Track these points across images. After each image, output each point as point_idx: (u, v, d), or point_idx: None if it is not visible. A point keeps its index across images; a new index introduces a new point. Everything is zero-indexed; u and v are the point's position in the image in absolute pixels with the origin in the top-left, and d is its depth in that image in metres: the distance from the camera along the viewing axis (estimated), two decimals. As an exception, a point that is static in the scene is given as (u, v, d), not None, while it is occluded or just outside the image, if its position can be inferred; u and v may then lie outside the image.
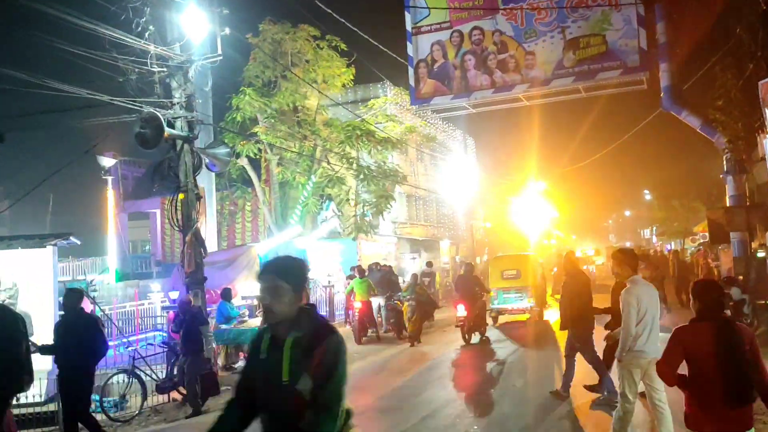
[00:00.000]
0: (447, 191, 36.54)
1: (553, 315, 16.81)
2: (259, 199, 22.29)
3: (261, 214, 23.93)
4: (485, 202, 48.76)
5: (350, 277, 17.45)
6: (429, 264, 25.05)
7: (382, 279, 17.19)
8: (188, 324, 9.34)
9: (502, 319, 17.65)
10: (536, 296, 17.83)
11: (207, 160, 11.60)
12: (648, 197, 59.06)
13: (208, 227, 18.21)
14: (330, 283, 18.82)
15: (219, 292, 12.83)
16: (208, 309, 12.85)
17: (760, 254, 15.62)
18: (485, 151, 49.78)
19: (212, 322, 12.26)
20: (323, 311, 18.69)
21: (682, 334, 4.12)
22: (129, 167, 27.68)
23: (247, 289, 14.10)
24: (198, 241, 10.53)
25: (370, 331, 15.89)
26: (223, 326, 11.56)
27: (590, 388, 8.20)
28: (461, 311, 13.64)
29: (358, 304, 15.37)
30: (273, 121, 20.92)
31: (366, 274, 17.66)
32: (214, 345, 11.40)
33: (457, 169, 35.18)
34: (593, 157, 30.09)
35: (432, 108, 21.32)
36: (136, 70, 10.42)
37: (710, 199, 44.20)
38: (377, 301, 16.47)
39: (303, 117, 21.43)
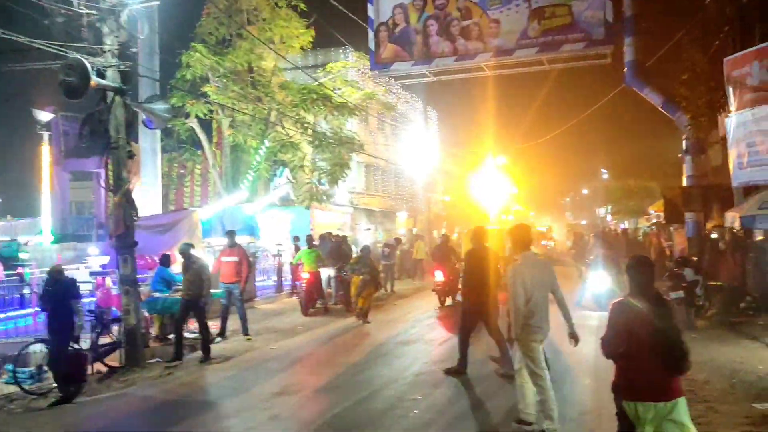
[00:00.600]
0: (406, 162, 35.94)
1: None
2: (209, 163, 21.29)
3: (211, 179, 22.97)
4: (445, 174, 48.44)
5: (298, 247, 16.78)
6: (398, 240, 24.46)
7: (333, 249, 16.56)
8: (58, 297, 8.40)
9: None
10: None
11: (144, 117, 10.72)
12: (605, 176, 59.69)
13: (152, 190, 17.29)
14: (279, 252, 18.12)
15: (157, 258, 12.02)
16: (142, 276, 12.10)
17: (714, 235, 15.56)
18: (446, 123, 49.32)
19: (147, 289, 11.51)
20: (271, 281, 18.04)
21: (620, 308, 4.24)
22: (72, 123, 26.13)
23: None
24: (129, 203, 9.70)
25: (319, 303, 15.34)
26: (157, 294, 10.80)
27: (495, 359, 8.30)
28: (439, 277, 15.15)
29: (305, 275, 14.76)
30: (225, 80, 19.90)
31: (317, 244, 17.10)
32: (146, 314, 10.68)
33: (418, 141, 34.53)
34: (553, 133, 29.85)
35: (392, 74, 20.51)
36: (62, 11, 9.42)
37: (665, 180, 44.87)
38: (327, 273, 15.87)
39: (258, 78, 20.45)
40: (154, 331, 11.15)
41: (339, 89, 21.61)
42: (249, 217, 15.73)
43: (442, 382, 8.21)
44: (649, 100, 17.01)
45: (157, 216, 14.48)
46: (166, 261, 11.24)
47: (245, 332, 11.59)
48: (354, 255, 20.94)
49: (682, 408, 4.04)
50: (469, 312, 8.17)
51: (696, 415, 6.23)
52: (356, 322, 13.42)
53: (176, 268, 13.15)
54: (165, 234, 13.35)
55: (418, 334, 11.85)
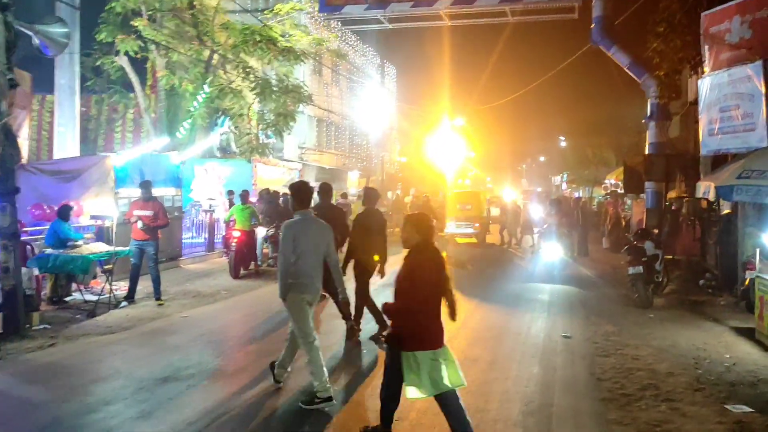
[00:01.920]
0: (361, 119, 34.42)
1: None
2: (141, 107, 19.39)
3: (145, 125, 21.08)
4: (402, 134, 47.08)
5: (232, 203, 15.32)
6: (343, 195, 23.72)
7: (271, 207, 15.16)
8: None
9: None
10: (481, 225, 21.96)
11: (38, 41, 9.02)
12: (563, 144, 59.21)
13: (69, 132, 15.43)
14: (211, 208, 16.61)
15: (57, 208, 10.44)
16: (41, 228, 10.53)
17: (674, 207, 14.78)
18: (405, 81, 47.78)
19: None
20: (201, 238, 16.58)
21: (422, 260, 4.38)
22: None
23: (96, 206, 11.74)
24: (9, 141, 8.09)
25: (252, 266, 14.01)
26: (49, 250, 9.28)
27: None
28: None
29: (237, 233, 13.36)
30: (160, 14, 17.97)
31: (255, 200, 15.75)
32: (36, 272, 9.17)
33: (374, 96, 32.96)
34: (512, 95, 28.86)
35: (343, 18, 18.95)
36: None
37: (620, 150, 44.55)
38: (263, 232, 14.52)
39: (197, 16, 18.55)
40: (46, 293, 9.65)
41: (288, 34, 19.87)
42: (174, 167, 14.12)
43: (362, 356, 7.10)
44: (616, 60, 16.01)
45: (65, 160, 12.74)
46: (64, 213, 9.65)
47: (157, 296, 10.20)
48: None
49: (447, 350, 4.37)
50: (363, 274, 7.91)
51: (661, 419, 5.23)
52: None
53: (84, 220, 11.68)
54: (72, 181, 11.72)
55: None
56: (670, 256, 12.87)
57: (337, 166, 34.12)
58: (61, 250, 9.22)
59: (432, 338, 4.34)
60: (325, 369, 5.47)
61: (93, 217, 11.76)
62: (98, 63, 19.06)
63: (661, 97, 14.57)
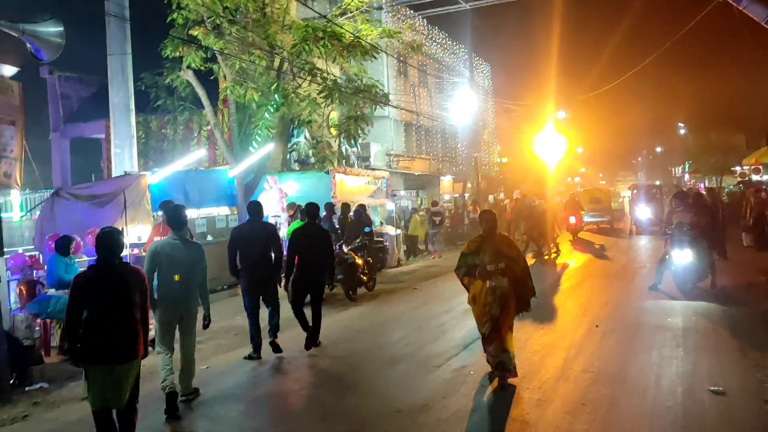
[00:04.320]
0: (454, 120, 32.11)
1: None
2: (211, 123, 18.26)
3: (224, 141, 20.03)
4: (502, 134, 44.25)
5: (293, 217, 13.61)
6: (434, 203, 22.30)
7: (333, 223, 13.44)
8: None
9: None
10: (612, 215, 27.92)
11: (31, 46, 7.67)
12: (682, 131, 53.68)
13: (126, 152, 14.40)
14: (277, 224, 14.98)
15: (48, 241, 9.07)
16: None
17: None
18: (501, 76, 44.86)
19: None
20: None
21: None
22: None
23: (134, 231, 10.34)
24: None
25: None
26: (52, 291, 7.84)
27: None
28: (572, 220, 22.30)
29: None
30: (221, 20, 16.73)
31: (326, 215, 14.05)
32: (38, 319, 7.77)
33: (466, 95, 30.50)
34: (621, 78, 25.50)
35: (412, 2, 16.77)
36: None
37: (752, 132, 39.19)
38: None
39: (259, 20, 17.12)
40: (55, 340, 8.22)
41: (358, 30, 18.04)
42: (227, 183, 12.60)
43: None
44: (750, 14, 12.80)
45: (100, 183, 11.58)
46: (63, 247, 8.13)
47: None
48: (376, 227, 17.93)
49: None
50: (301, 287, 8.17)
51: None
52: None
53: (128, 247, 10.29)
54: (106, 206, 10.40)
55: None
56: None
57: (428, 171, 31.97)
58: (64, 291, 7.74)
59: None
60: (170, 377, 5.81)
61: (132, 246, 10.36)
62: (167, 80, 18.20)
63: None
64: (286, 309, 8.24)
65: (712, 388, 5.70)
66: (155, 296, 5.85)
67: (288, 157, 20.91)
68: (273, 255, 7.82)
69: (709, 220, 10.49)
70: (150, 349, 5.54)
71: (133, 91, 14.85)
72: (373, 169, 25.51)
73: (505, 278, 5.97)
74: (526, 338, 7.78)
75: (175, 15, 16.44)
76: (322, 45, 15.58)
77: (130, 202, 10.45)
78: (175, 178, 11.11)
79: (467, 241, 6.53)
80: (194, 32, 16.37)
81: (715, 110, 38.95)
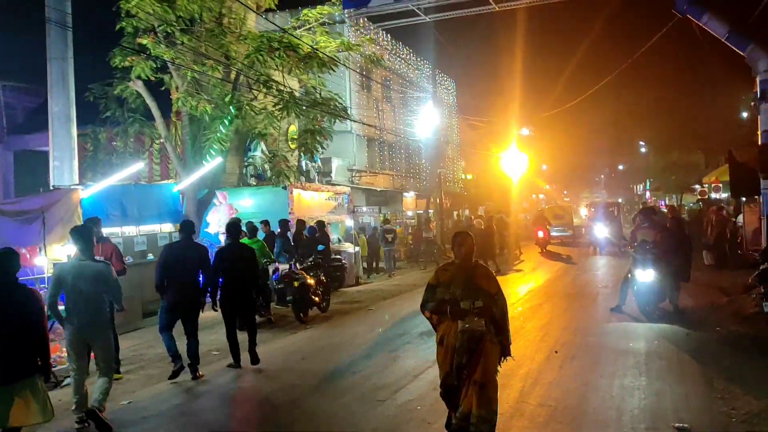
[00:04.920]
0: (418, 136, 31.73)
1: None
2: (162, 135, 17.43)
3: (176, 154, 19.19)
4: (466, 149, 44.11)
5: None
6: (386, 221, 21.72)
7: (287, 240, 12.87)
8: None
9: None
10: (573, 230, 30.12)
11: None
12: (643, 150, 54.40)
13: (65, 164, 13.52)
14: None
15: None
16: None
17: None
18: (465, 92, 44.83)
19: None
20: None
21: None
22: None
23: (63, 250, 9.53)
24: None
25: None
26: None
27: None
28: (540, 234, 24.77)
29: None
30: (173, 29, 16.01)
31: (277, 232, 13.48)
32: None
33: (430, 111, 30.18)
34: (585, 94, 25.51)
35: (372, 13, 16.39)
36: None
37: (711, 151, 39.71)
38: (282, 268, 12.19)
39: (213, 28, 16.43)
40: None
41: (316, 41, 17.50)
42: (171, 198, 11.89)
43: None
44: (710, 30, 12.72)
45: (29, 198, 10.64)
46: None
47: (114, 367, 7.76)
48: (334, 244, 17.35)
49: None
50: (228, 306, 8.09)
51: None
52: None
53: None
54: (34, 222, 9.56)
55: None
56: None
57: (392, 187, 31.50)
58: None
59: None
60: (80, 394, 5.82)
61: (56, 265, 9.52)
62: (117, 91, 17.37)
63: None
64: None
65: (676, 425, 5.21)
66: (63, 318, 5.87)
67: (244, 171, 20.24)
68: (201, 278, 7.57)
69: (676, 244, 10.10)
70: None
71: (74, 100, 13.99)
72: (334, 185, 24.94)
73: (482, 320, 4.70)
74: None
75: (124, 23, 15.72)
76: (277, 56, 14.99)
77: (59, 219, 9.66)
78: (112, 193, 10.35)
79: (435, 269, 5.22)
80: (143, 41, 15.65)
81: (675, 128, 39.45)
